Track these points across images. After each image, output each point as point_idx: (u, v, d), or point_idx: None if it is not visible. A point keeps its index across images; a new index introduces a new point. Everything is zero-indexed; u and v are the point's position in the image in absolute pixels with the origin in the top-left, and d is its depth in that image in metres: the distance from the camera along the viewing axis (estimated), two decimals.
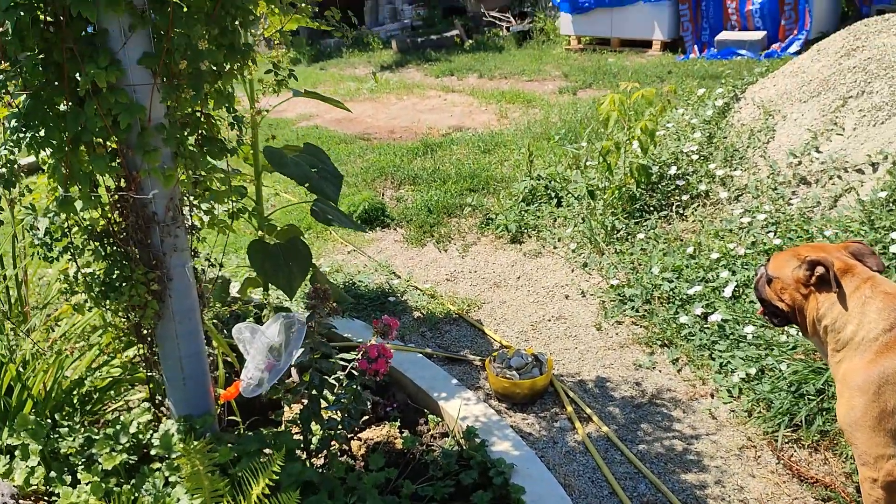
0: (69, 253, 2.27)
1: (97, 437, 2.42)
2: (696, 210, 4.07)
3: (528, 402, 3.07)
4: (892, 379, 1.92)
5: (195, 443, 2.30)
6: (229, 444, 2.48)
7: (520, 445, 2.76)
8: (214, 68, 2.33)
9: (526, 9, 12.11)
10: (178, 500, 2.22)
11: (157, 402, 2.68)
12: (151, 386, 2.64)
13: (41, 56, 2.05)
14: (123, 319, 2.43)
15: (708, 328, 3.23)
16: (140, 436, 2.52)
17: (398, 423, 3.02)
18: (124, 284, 2.28)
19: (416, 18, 13.26)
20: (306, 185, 3.07)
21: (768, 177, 3.89)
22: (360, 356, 2.67)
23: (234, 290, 3.58)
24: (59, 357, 2.51)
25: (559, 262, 4.22)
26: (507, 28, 11.83)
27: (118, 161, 2.20)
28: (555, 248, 4.37)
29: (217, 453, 2.35)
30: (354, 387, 2.67)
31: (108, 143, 2.18)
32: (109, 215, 2.28)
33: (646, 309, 3.55)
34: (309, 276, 3.58)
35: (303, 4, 3.00)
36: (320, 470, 2.58)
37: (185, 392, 2.53)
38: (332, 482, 2.45)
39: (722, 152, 4.21)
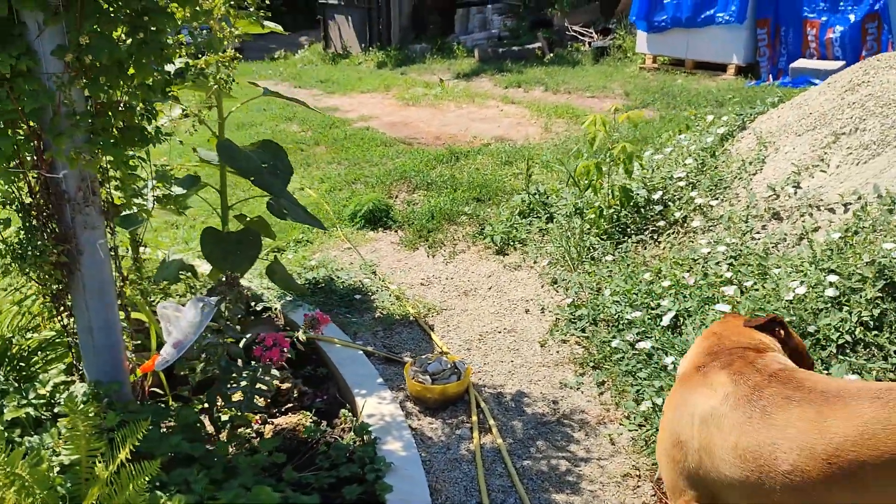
0: None
1: (9, 391, 2.67)
2: (669, 237, 3.99)
3: (440, 408, 3.13)
4: (682, 407, 1.89)
5: (82, 405, 2.51)
6: (131, 413, 2.68)
7: (410, 447, 2.83)
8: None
9: (610, 25, 11.98)
10: (56, 452, 2.42)
11: (78, 368, 2.91)
12: (74, 351, 2.88)
13: None
14: (42, 287, 2.67)
15: (637, 354, 3.19)
16: (57, 395, 2.76)
17: (311, 413, 3.15)
18: (32, 254, 2.52)
19: (503, 29, 13.35)
20: (251, 178, 3.24)
21: (744, 209, 3.77)
22: (256, 344, 2.82)
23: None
24: None
25: (533, 277, 4.24)
26: (589, 43, 11.75)
27: (34, 142, 2.43)
28: (535, 262, 4.39)
29: (104, 418, 2.55)
30: (252, 372, 2.82)
31: (26, 124, 2.42)
32: (31, 190, 2.53)
33: (591, 330, 3.53)
34: (267, 264, 3.77)
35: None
36: (211, 448, 2.74)
37: (97, 360, 2.75)
38: (210, 458, 2.61)
39: (708, 181, 4.11)
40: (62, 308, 2.74)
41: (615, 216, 4.24)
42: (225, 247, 3.38)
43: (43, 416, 2.70)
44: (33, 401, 2.66)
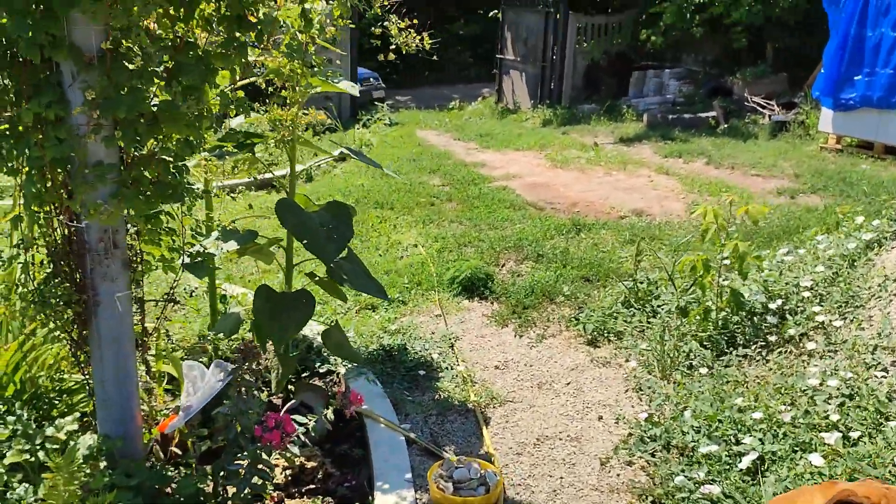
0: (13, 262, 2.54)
1: (16, 434, 2.65)
2: (779, 356, 3.40)
3: None
4: None
5: (80, 460, 2.43)
6: (126, 475, 2.58)
7: None
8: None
9: (796, 99, 11.04)
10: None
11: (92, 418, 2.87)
12: (92, 400, 2.84)
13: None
14: (65, 333, 2.65)
15: (702, 499, 2.68)
16: (70, 442, 2.71)
17: (334, 500, 2.92)
18: (54, 301, 2.50)
19: (678, 95, 12.72)
20: (303, 242, 3.10)
21: (873, 337, 3.13)
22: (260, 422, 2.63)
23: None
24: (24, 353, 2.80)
25: (619, 378, 3.78)
26: (769, 116, 10.87)
27: (61, 190, 2.42)
28: (626, 360, 3.92)
29: (92, 477, 2.45)
30: (255, 451, 2.63)
31: (51, 172, 2.41)
32: (54, 237, 2.52)
33: (661, 456, 3.03)
34: (325, 328, 3.61)
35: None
36: None
37: (107, 413, 2.68)
38: None
39: (839, 295, 3.47)
40: (82, 356, 2.71)
41: (723, 322, 3.70)
42: (274, 307, 3.25)
43: (46, 464, 2.66)
44: (44, 445, 2.63)
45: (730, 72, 12.29)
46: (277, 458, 3.00)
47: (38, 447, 2.63)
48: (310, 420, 2.98)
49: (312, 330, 4.07)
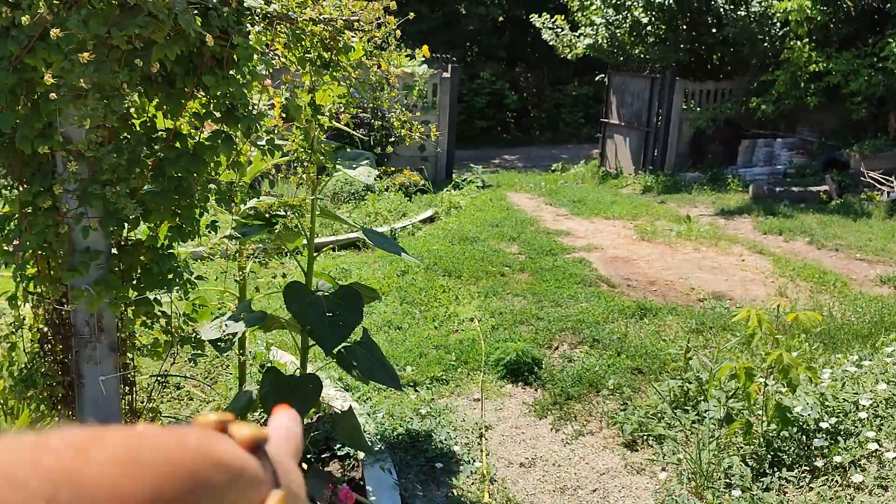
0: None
1: None
2: (823, 486, 3.01)
3: None
4: None
5: None
6: None
7: None
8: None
9: None
10: None
11: None
12: None
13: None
14: (52, 412, 2.69)
15: None
16: None
17: None
18: (39, 381, 2.55)
19: (789, 166, 12.06)
20: (306, 328, 3.05)
21: None
22: None
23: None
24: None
25: (649, 489, 3.48)
26: (887, 193, 10.11)
27: (48, 272, 2.48)
28: (664, 469, 3.61)
29: None
30: None
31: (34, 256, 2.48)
32: (43, 318, 2.58)
33: None
34: (336, 415, 3.52)
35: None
36: None
37: None
38: None
39: None
40: None
41: (768, 438, 3.35)
42: (280, 390, 3.20)
43: None
44: None
45: (847, 144, 11.57)
46: None
47: None
48: None
49: (343, 405, 4.00)
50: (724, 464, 3.38)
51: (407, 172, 11.20)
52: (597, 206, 10.54)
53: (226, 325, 3.12)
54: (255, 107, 2.44)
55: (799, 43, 11.64)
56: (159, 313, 2.67)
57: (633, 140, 13.96)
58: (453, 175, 12.67)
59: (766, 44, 12.56)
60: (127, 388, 2.73)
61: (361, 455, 3.73)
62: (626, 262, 7.58)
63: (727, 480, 3.32)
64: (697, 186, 11.89)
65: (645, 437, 3.88)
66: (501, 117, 20.24)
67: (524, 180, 13.14)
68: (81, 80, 1.91)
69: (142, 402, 2.81)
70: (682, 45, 13.10)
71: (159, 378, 2.81)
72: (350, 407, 3.58)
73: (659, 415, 4.02)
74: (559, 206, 10.77)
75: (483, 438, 3.99)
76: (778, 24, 12.49)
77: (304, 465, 3.56)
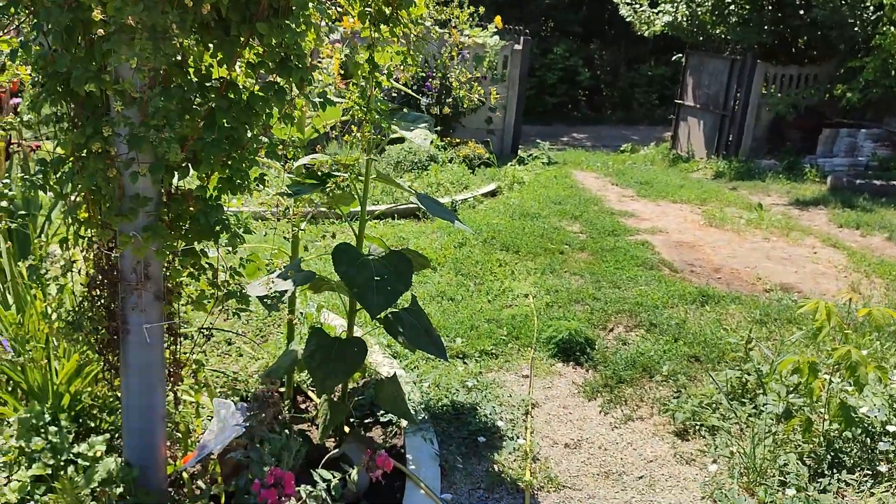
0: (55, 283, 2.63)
1: (45, 448, 2.73)
2: (886, 491, 2.83)
3: None
4: None
5: (76, 484, 2.47)
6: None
7: None
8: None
9: None
10: None
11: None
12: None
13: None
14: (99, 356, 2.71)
15: None
16: (98, 461, 2.77)
17: None
18: (86, 325, 2.56)
19: (872, 158, 11.47)
20: (354, 291, 2.99)
21: None
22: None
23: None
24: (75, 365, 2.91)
25: (698, 481, 3.34)
26: None
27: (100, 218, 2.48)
28: (714, 461, 3.46)
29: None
30: None
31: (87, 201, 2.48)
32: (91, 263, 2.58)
33: None
34: (379, 380, 3.47)
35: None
36: None
37: (131, 440, 2.71)
38: None
39: None
40: (116, 380, 2.76)
41: (829, 437, 3.17)
42: (325, 352, 3.17)
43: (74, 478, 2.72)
44: (74, 461, 2.69)
45: None
46: None
47: (63, 462, 2.70)
48: (335, 477, 2.86)
49: (389, 372, 3.96)
50: (780, 461, 3.21)
51: (472, 144, 11.07)
52: (664, 189, 10.24)
53: (273, 282, 3.09)
54: (310, 59, 2.37)
55: (893, 28, 10.99)
56: (206, 265, 2.65)
57: (707, 123, 13.51)
58: (519, 150, 12.47)
59: (856, 28, 11.93)
60: (171, 337, 2.72)
61: (404, 423, 3.69)
62: (690, 247, 7.33)
63: (781, 478, 3.15)
64: (772, 174, 11.43)
65: (697, 427, 3.73)
66: (573, 94, 19.84)
67: (591, 159, 12.86)
68: (130, 18, 1.86)
69: (185, 354, 2.81)
70: (766, 27, 12.54)
71: (203, 331, 2.80)
72: (395, 374, 3.53)
73: (713, 405, 3.86)
74: (625, 187, 10.50)
75: (529, 416, 3.90)
76: (871, 7, 11.83)
77: (346, 429, 3.54)
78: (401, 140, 10.44)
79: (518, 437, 3.67)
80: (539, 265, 6.26)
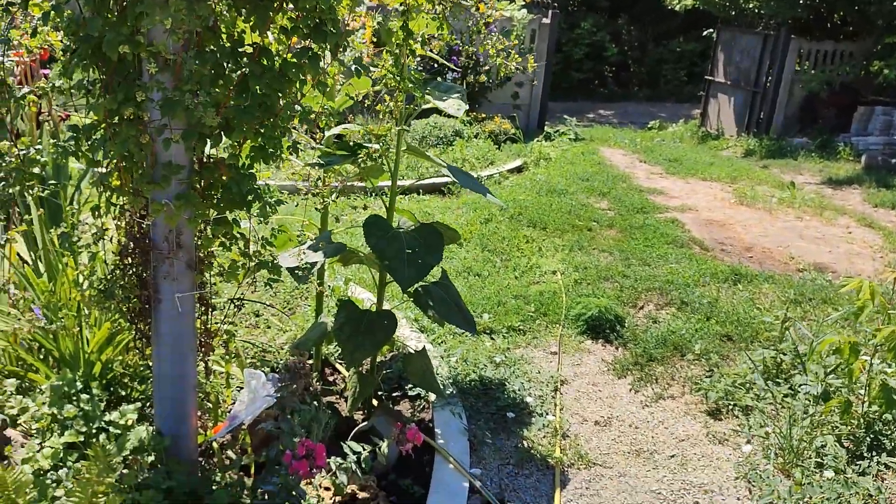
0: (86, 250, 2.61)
1: (77, 415, 2.73)
2: None
3: None
4: None
5: (108, 452, 2.46)
6: (166, 475, 2.58)
7: None
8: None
9: None
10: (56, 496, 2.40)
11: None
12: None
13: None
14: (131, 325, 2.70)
15: None
16: (130, 429, 2.77)
17: None
18: (118, 293, 2.55)
19: None
20: (385, 263, 2.95)
21: None
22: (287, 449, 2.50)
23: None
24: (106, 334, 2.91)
25: (731, 461, 3.28)
26: None
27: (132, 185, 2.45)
28: (748, 441, 3.41)
29: (121, 477, 2.47)
30: (286, 476, 2.51)
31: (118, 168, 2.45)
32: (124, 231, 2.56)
33: None
34: (408, 354, 3.44)
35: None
36: None
37: (162, 409, 2.70)
38: None
39: None
40: (147, 349, 2.75)
41: (868, 420, 3.09)
42: (355, 325, 3.13)
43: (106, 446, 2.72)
44: (106, 429, 2.69)
45: None
46: (325, 483, 2.88)
47: (95, 430, 2.70)
48: (364, 450, 2.85)
49: (417, 346, 3.93)
50: (817, 442, 3.15)
51: (498, 120, 10.96)
52: (694, 167, 10.08)
53: (304, 253, 3.06)
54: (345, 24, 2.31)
55: None
56: (238, 234, 2.62)
57: (738, 100, 13.27)
58: (545, 126, 12.33)
59: (895, 3, 11.61)
60: (203, 307, 2.71)
61: (432, 397, 3.67)
62: (721, 225, 7.21)
63: (818, 460, 3.09)
64: (804, 153, 11.21)
65: (730, 407, 3.67)
66: (600, 70, 19.56)
67: (619, 136, 12.69)
68: None
69: (216, 324, 2.79)
70: (800, 1, 12.24)
71: (234, 301, 2.78)
72: (423, 348, 3.50)
73: (747, 385, 3.79)
74: (654, 165, 10.35)
75: (558, 392, 3.86)
76: None
77: (375, 402, 3.53)
78: (425, 114, 10.37)
79: (547, 414, 3.63)
80: (567, 242, 6.19)
